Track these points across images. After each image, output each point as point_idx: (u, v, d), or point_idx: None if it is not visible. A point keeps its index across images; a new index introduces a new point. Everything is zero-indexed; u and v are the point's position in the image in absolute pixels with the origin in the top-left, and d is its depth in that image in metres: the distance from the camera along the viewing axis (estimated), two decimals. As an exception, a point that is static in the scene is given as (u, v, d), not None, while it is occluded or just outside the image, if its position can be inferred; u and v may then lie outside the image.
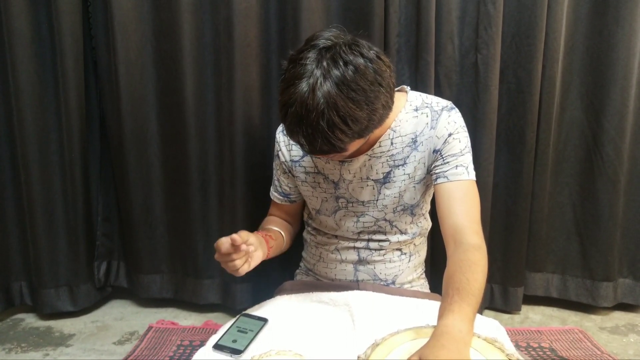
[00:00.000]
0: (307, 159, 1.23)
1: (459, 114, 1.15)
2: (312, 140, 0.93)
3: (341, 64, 0.92)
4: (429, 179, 1.18)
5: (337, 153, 0.99)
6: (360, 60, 0.94)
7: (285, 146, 1.25)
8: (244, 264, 1.04)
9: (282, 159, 1.26)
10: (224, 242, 1.00)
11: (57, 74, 1.57)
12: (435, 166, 1.15)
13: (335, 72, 0.91)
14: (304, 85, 0.92)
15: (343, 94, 0.91)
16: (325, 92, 0.90)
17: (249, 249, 1.03)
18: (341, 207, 1.24)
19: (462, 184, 1.11)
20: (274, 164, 1.33)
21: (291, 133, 0.97)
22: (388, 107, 1.02)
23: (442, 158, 1.13)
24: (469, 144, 1.16)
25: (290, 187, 1.30)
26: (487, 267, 1.00)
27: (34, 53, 1.56)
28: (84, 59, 1.61)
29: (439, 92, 1.55)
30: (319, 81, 0.91)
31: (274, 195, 1.35)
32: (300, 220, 1.41)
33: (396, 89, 1.18)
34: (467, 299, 0.89)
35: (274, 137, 1.30)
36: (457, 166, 1.12)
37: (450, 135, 1.12)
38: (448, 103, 1.17)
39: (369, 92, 0.94)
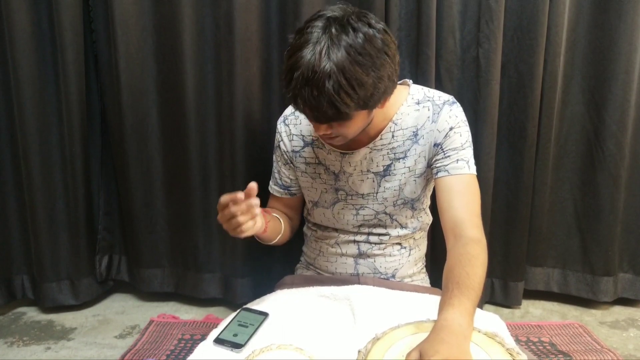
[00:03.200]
0: (308, 149, 1.23)
1: (461, 109, 1.15)
2: (317, 103, 0.92)
3: (350, 30, 0.92)
4: (429, 172, 1.19)
5: (341, 121, 0.98)
6: (369, 30, 0.94)
7: (287, 136, 1.25)
8: (249, 221, 1.00)
9: (284, 148, 1.26)
10: (224, 196, 0.97)
11: (58, 68, 1.57)
12: (435, 160, 1.15)
13: (344, 38, 0.91)
14: (310, 50, 0.91)
15: (350, 57, 0.91)
16: (332, 55, 0.90)
17: (252, 203, 0.98)
18: (340, 199, 1.24)
19: (463, 178, 1.11)
20: (274, 157, 1.32)
21: (295, 98, 0.95)
22: (392, 81, 1.01)
23: (443, 152, 1.13)
24: (470, 139, 1.16)
25: (290, 179, 1.30)
26: (487, 260, 1.00)
27: (34, 47, 1.56)
28: (85, 53, 1.61)
29: (439, 87, 1.55)
30: (326, 45, 0.91)
31: (273, 188, 1.34)
32: (300, 216, 1.40)
33: (399, 82, 1.18)
34: (466, 293, 0.89)
35: (275, 130, 1.30)
36: (457, 160, 1.12)
37: (451, 129, 1.12)
38: (450, 97, 1.16)
39: (375, 59, 0.94)
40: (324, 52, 0.90)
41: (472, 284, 0.92)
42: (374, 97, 0.98)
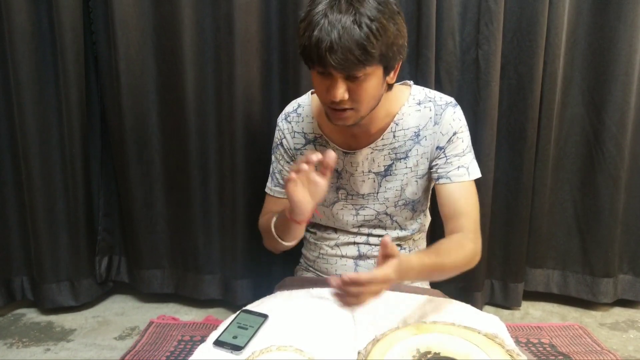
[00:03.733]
0: (310, 147, 1.22)
1: (461, 111, 1.16)
2: (345, 43, 0.92)
3: None
4: (429, 174, 1.19)
5: (360, 66, 0.95)
6: None
7: (290, 133, 1.24)
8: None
9: (287, 146, 1.25)
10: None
11: (58, 70, 1.57)
12: (437, 164, 1.16)
13: None
14: (330, 2, 0.94)
15: (374, 4, 0.94)
16: (355, 3, 0.93)
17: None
18: (340, 198, 1.24)
19: (463, 185, 1.15)
20: (273, 157, 1.29)
21: (319, 44, 0.93)
22: (404, 48, 1.03)
23: (446, 157, 1.15)
24: (470, 143, 1.17)
25: None
26: (470, 262, 1.10)
27: (34, 48, 1.56)
28: (85, 54, 1.61)
29: (439, 88, 1.55)
30: None
31: (274, 190, 1.30)
32: None
33: (399, 83, 1.19)
34: (434, 265, 1.01)
35: (274, 129, 1.29)
36: (459, 167, 1.14)
37: (455, 134, 1.14)
38: (451, 99, 1.17)
39: (394, 15, 0.98)
40: (345, 0, 0.94)
41: (445, 262, 1.03)
42: (392, 50, 0.98)
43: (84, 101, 1.63)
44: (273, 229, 1.15)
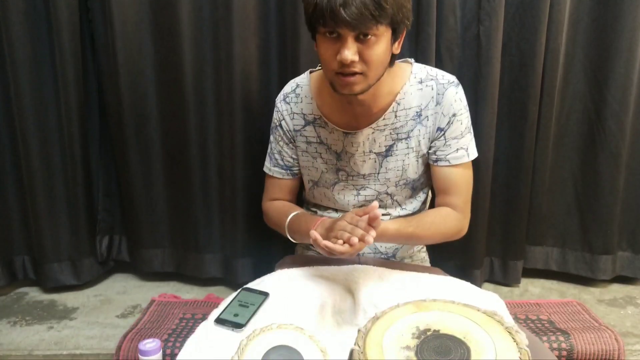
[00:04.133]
0: (310, 128, 1.22)
1: (463, 91, 1.16)
2: None
3: None
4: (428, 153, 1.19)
5: (372, 22, 0.95)
6: None
7: (289, 114, 1.23)
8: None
9: (286, 127, 1.24)
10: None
11: (54, 48, 1.55)
12: (436, 146, 1.17)
13: None
14: None
15: None
16: None
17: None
18: (341, 179, 1.23)
19: (461, 167, 1.18)
20: (272, 137, 1.29)
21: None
22: (410, 14, 1.04)
23: (445, 139, 1.15)
24: (470, 123, 1.18)
25: (293, 159, 1.28)
26: (451, 238, 1.20)
27: (29, 27, 1.54)
28: (81, 32, 1.58)
29: (440, 65, 1.53)
30: None
31: (273, 170, 1.30)
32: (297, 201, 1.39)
33: (400, 60, 1.17)
34: (414, 232, 1.13)
35: (273, 110, 1.28)
36: (458, 149, 1.16)
37: (454, 115, 1.14)
38: (453, 78, 1.16)
39: None
40: None
41: (422, 235, 1.15)
42: (402, 11, 0.99)
43: (80, 80, 1.61)
44: (287, 232, 1.20)
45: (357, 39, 0.98)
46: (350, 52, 0.97)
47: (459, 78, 1.17)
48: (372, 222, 0.98)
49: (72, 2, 1.53)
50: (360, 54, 0.99)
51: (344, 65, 0.99)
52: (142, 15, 1.56)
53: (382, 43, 1.00)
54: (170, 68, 1.59)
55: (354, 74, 1.01)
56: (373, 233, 0.97)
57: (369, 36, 0.97)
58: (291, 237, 1.21)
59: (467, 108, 1.17)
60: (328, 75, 1.05)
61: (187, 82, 1.58)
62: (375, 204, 0.97)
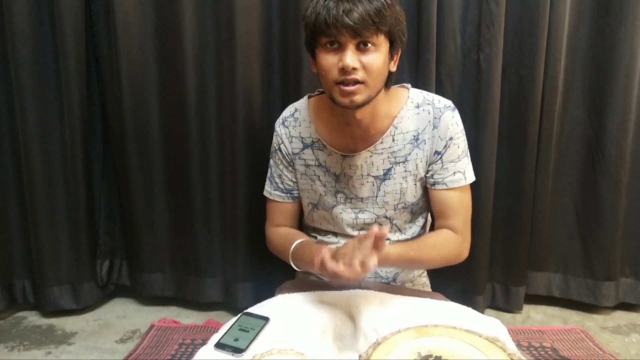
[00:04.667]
0: (308, 151, 1.22)
1: (459, 116, 1.17)
2: (354, 5, 0.97)
3: None
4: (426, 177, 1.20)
5: (373, 29, 0.99)
6: None
7: (287, 138, 1.24)
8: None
9: (285, 151, 1.25)
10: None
11: (60, 72, 1.57)
12: (433, 170, 1.18)
13: None
14: None
15: None
16: None
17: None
18: (339, 202, 1.23)
19: (459, 190, 1.18)
20: (271, 162, 1.30)
21: (334, 6, 0.98)
22: (405, 34, 1.09)
23: (442, 163, 1.16)
24: (467, 147, 1.19)
25: (293, 182, 1.28)
26: (453, 261, 1.19)
27: (36, 50, 1.57)
28: (86, 56, 1.61)
29: (440, 91, 1.55)
30: None
31: (274, 194, 1.30)
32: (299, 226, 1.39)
33: (397, 85, 1.19)
34: (415, 256, 1.12)
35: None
36: (455, 172, 1.17)
37: (451, 139, 1.15)
38: (450, 102, 1.17)
39: (395, 2, 1.04)
40: None
41: (425, 259, 1.15)
42: (398, 26, 1.05)
43: (85, 103, 1.63)
44: (291, 260, 1.19)
45: (358, 48, 1.01)
46: (352, 59, 1.00)
47: (459, 103, 1.19)
48: (377, 242, 0.95)
49: (79, 26, 1.56)
50: (361, 63, 1.02)
51: (346, 73, 1.01)
52: (146, 40, 1.58)
53: (381, 53, 1.03)
54: (173, 92, 1.61)
55: (355, 82, 1.03)
56: (374, 259, 0.95)
57: (369, 45, 1.01)
58: (295, 266, 1.20)
59: (464, 132, 1.18)
60: (328, 86, 1.06)
61: (190, 106, 1.60)
62: (380, 227, 0.95)
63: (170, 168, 1.68)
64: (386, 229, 0.94)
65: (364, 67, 1.02)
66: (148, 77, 1.61)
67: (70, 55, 1.55)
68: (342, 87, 1.03)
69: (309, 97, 1.25)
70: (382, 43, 1.03)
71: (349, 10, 0.97)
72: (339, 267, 0.97)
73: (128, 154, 1.65)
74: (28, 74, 1.56)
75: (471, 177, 1.20)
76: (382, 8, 0.99)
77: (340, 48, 1.01)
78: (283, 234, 1.29)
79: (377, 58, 1.03)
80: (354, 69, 1.01)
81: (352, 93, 1.03)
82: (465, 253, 1.21)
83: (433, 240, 1.19)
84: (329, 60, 1.03)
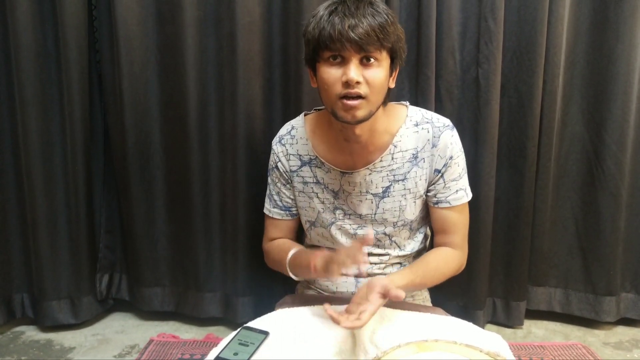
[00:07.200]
0: (306, 168, 1.23)
1: (457, 135, 1.19)
2: (359, 21, 0.99)
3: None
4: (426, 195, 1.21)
5: (377, 44, 1.01)
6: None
7: (285, 156, 1.25)
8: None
9: (282, 168, 1.26)
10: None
11: (62, 87, 1.59)
12: (435, 189, 1.19)
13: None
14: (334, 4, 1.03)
15: (380, 4, 1.05)
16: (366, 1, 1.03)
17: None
18: (338, 219, 1.24)
19: (460, 207, 1.20)
20: (270, 180, 1.30)
21: (339, 21, 0.99)
22: (405, 52, 1.11)
23: (444, 182, 1.18)
24: (465, 164, 1.21)
25: (291, 200, 1.29)
26: (452, 275, 1.21)
27: (39, 66, 1.58)
28: (89, 72, 1.63)
29: (440, 107, 1.56)
30: None
31: (273, 212, 1.31)
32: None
33: (395, 102, 1.20)
34: (420, 281, 1.14)
35: None
36: (457, 190, 1.19)
37: (451, 158, 1.16)
38: (448, 121, 1.18)
39: (396, 20, 1.07)
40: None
41: (430, 279, 1.17)
42: (400, 43, 1.08)
43: (87, 118, 1.64)
44: (288, 269, 1.19)
45: (361, 63, 1.03)
46: (355, 72, 1.01)
47: (458, 119, 1.20)
48: (386, 292, 1.00)
49: (82, 43, 1.58)
50: (364, 77, 1.03)
51: (349, 86, 1.02)
52: (148, 56, 1.60)
53: (383, 69, 1.05)
54: (175, 107, 1.62)
55: (358, 97, 1.03)
56: (363, 266, 0.99)
57: (372, 60, 1.03)
58: (292, 274, 1.19)
59: (462, 150, 1.20)
60: (331, 101, 1.07)
61: (191, 122, 1.61)
62: (365, 235, 1.01)
63: (171, 183, 1.69)
64: (370, 235, 1.01)
65: (367, 82, 1.03)
66: (150, 92, 1.62)
67: (73, 71, 1.57)
68: (345, 101, 1.04)
69: (305, 115, 1.26)
70: (384, 59, 1.05)
71: (355, 25, 0.99)
72: (347, 324, 0.97)
73: (129, 168, 1.66)
74: (31, 89, 1.58)
75: (470, 194, 1.22)
76: (385, 24, 1.01)
77: (343, 62, 1.02)
78: (279, 244, 1.29)
79: (379, 73, 1.04)
80: (358, 82, 1.02)
81: (355, 108, 1.04)
82: (464, 264, 1.25)
83: (435, 262, 1.20)
84: (332, 74, 1.04)
